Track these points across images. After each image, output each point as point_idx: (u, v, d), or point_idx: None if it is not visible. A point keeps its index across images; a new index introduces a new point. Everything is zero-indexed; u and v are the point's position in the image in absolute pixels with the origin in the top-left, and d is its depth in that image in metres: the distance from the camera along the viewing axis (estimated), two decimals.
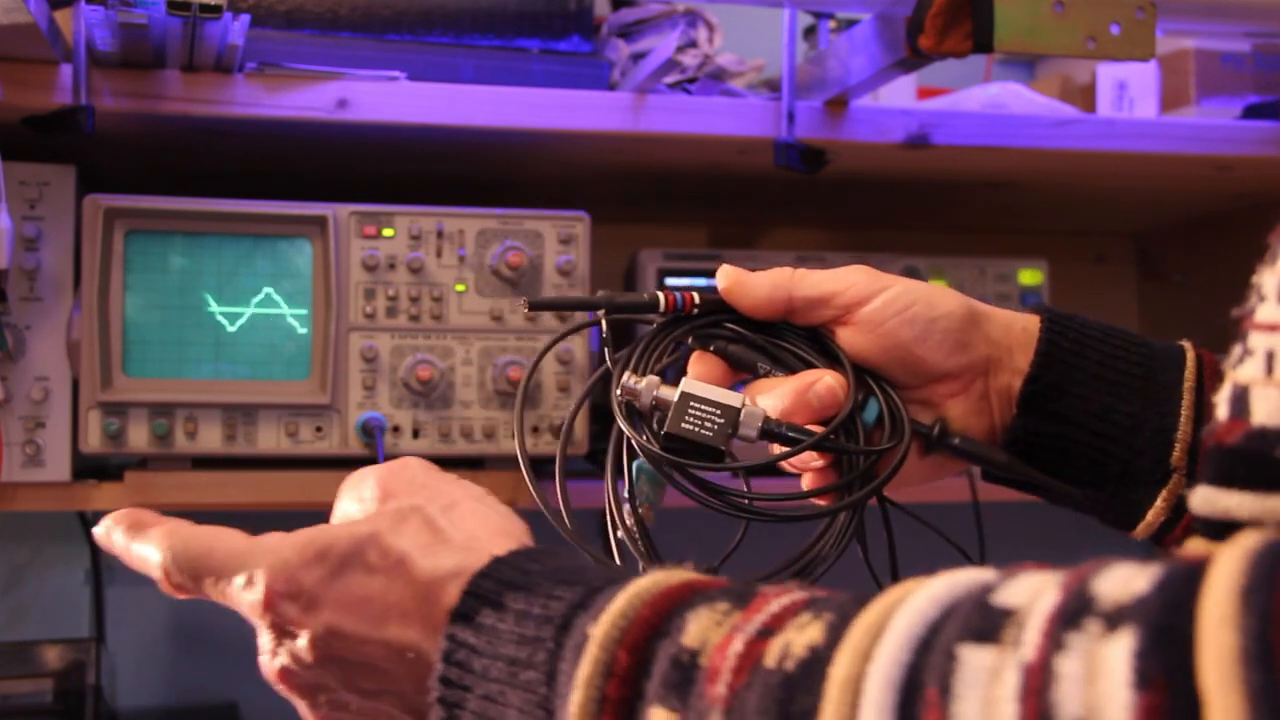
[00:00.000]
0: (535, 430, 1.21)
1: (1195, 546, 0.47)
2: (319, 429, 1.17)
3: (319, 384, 1.17)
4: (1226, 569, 0.34)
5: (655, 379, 0.67)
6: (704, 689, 0.44)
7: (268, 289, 1.16)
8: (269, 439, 1.16)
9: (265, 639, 0.57)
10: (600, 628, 0.48)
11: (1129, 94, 1.45)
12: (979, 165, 1.33)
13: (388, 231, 1.18)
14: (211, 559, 0.56)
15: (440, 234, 1.19)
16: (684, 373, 0.70)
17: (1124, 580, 0.36)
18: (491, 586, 0.52)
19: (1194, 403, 0.69)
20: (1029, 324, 0.72)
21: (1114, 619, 0.35)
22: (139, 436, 1.13)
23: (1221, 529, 0.43)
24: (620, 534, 0.66)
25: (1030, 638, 0.36)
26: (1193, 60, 1.44)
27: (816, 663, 0.41)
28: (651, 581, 0.50)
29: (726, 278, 0.71)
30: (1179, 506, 0.69)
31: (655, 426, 0.66)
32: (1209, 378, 0.70)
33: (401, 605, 0.54)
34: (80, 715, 1.38)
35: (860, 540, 0.69)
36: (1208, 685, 0.32)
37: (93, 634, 1.48)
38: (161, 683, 1.54)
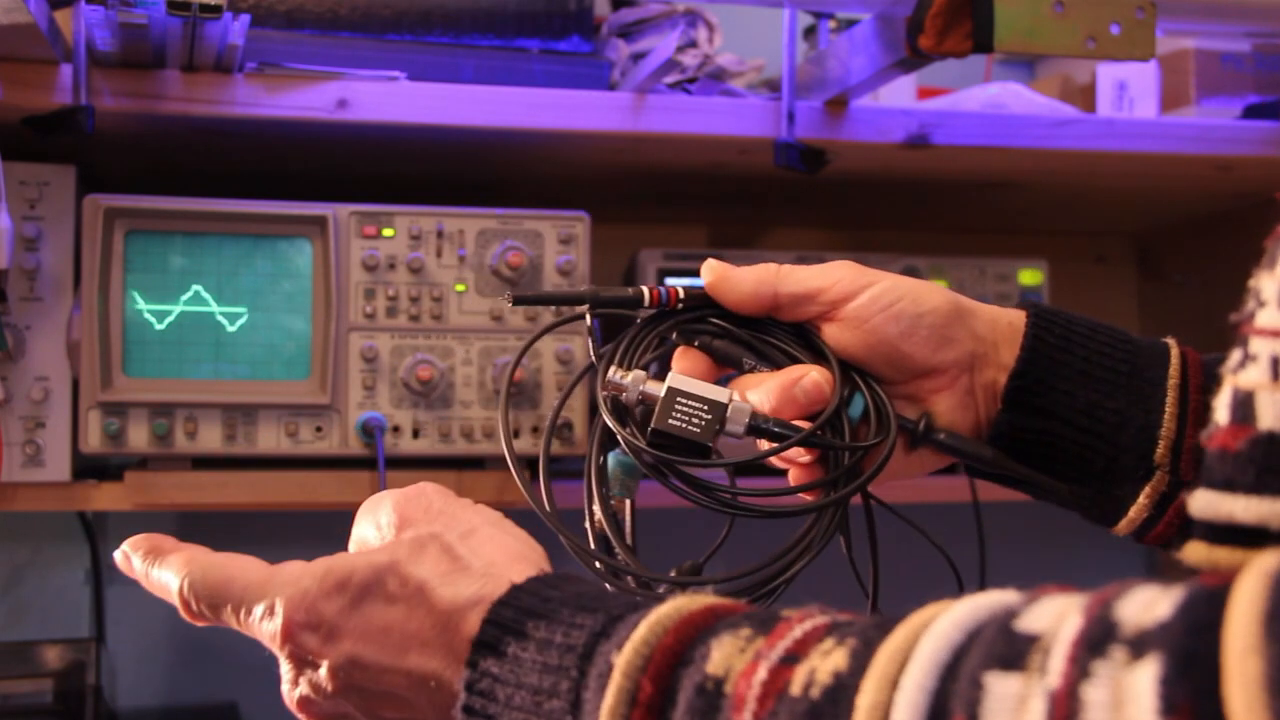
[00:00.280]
0: (535, 430, 1.21)
1: (1195, 551, 0.47)
2: (319, 429, 1.17)
3: (319, 384, 1.17)
4: (1248, 593, 0.34)
5: (641, 374, 0.67)
6: (730, 718, 0.44)
7: (267, 289, 1.16)
8: (269, 439, 1.16)
9: (285, 669, 0.57)
10: (624, 656, 0.48)
11: (1129, 94, 1.45)
12: (979, 165, 1.33)
13: (388, 231, 1.18)
14: (231, 589, 0.57)
15: (440, 234, 1.19)
16: (669, 368, 0.69)
17: (1146, 604, 0.36)
18: (512, 615, 0.52)
19: (1178, 400, 0.69)
20: (1015, 319, 0.71)
21: (1138, 645, 0.35)
22: (139, 436, 1.13)
23: (1223, 533, 0.43)
24: (597, 525, 0.66)
25: (1055, 665, 0.36)
26: (1193, 60, 1.44)
27: (842, 690, 0.42)
28: (673, 608, 0.50)
29: (711, 272, 0.70)
30: (1161, 504, 0.69)
31: (641, 421, 0.66)
32: (1193, 375, 0.69)
33: (422, 634, 0.54)
34: (80, 715, 1.38)
35: (844, 535, 0.69)
36: (1234, 711, 0.32)
37: (93, 634, 1.48)
38: (161, 683, 1.54)
